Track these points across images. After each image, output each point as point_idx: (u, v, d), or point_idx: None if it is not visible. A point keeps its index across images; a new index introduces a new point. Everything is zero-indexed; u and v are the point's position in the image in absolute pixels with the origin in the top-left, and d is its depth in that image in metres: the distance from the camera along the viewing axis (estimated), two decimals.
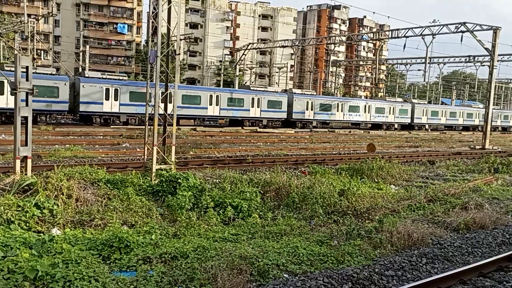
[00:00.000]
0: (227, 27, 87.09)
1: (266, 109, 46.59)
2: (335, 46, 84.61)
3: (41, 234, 7.43)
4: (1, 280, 5.46)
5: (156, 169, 12.29)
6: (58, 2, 71.81)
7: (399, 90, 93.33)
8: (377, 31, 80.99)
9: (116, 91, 37.35)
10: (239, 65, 61.88)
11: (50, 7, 66.15)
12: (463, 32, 36.01)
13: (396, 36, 43.63)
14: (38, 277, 5.52)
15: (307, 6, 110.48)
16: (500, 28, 34.12)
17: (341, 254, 7.29)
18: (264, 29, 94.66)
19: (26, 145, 10.14)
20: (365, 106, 55.95)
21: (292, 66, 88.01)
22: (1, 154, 17.35)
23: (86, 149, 20.85)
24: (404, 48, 57.44)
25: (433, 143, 37.02)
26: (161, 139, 13.63)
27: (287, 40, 59.73)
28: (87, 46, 62.75)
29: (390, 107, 58.12)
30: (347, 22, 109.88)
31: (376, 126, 57.80)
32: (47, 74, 35.47)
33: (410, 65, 63.34)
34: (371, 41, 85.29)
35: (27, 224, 7.89)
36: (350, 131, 49.79)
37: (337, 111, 52.60)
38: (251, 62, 77.69)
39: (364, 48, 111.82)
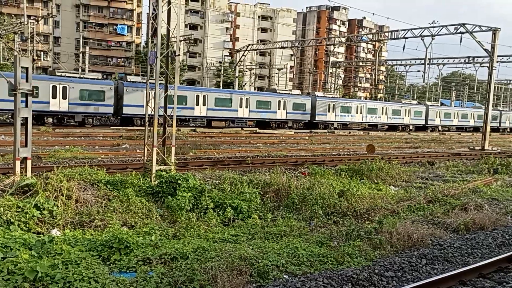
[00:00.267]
0: (227, 28, 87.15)
1: (292, 111, 48.29)
2: (334, 47, 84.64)
3: (41, 235, 7.43)
4: (0, 281, 5.46)
5: (156, 170, 12.29)
6: (58, 3, 71.88)
7: (399, 91, 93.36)
8: (376, 32, 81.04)
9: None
10: (238, 66, 61.92)
11: (50, 8, 66.24)
12: (462, 33, 36.05)
13: (395, 37, 43.69)
14: (38, 278, 5.52)
15: (307, 7, 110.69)
16: (499, 29, 34.17)
17: (341, 255, 7.29)
18: (263, 30, 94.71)
19: (26, 146, 10.14)
20: (383, 108, 57.57)
21: (291, 67, 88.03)
22: (1, 155, 17.35)
23: (86, 150, 20.86)
24: (403, 49, 57.76)
25: (433, 144, 37.04)
26: (161, 140, 13.63)
27: (286, 41, 59.78)
28: (87, 47, 62.80)
29: (405, 109, 59.66)
30: (347, 23, 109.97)
31: (392, 127, 59.38)
32: (94, 79, 37.92)
33: (410, 66, 63.43)
34: (370, 42, 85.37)
35: (27, 225, 7.88)
36: (349, 132, 49.87)
37: (357, 113, 54.30)
38: (250, 63, 77.73)
39: (363, 49, 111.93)
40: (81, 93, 35.81)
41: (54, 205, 8.51)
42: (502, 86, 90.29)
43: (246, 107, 44.92)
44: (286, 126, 48.25)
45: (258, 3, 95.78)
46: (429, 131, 60.81)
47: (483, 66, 58.41)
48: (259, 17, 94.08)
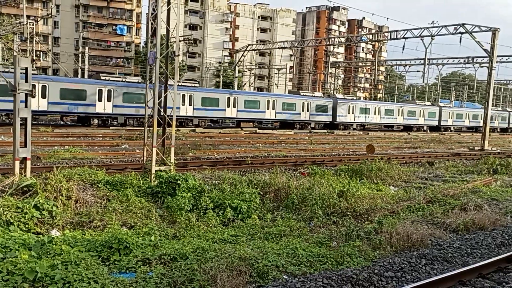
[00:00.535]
0: (226, 29, 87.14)
1: (314, 112, 50.54)
2: (334, 48, 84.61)
3: (40, 236, 7.42)
4: (0, 282, 5.45)
5: (156, 170, 12.29)
6: (57, 3, 71.83)
7: (398, 91, 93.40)
8: (376, 32, 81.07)
9: (190, 97, 41.32)
10: (238, 66, 61.92)
11: (49, 9, 66.10)
12: (462, 33, 36.05)
13: (395, 37, 43.69)
14: (37, 279, 5.52)
15: (306, 8, 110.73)
16: (499, 30, 34.19)
17: (341, 255, 7.30)
18: (263, 30, 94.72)
19: (25, 146, 10.14)
20: (399, 109, 59.33)
21: (291, 67, 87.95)
22: (1, 155, 17.34)
23: (85, 150, 20.85)
24: (403, 49, 57.84)
25: (432, 144, 37.06)
26: (161, 140, 13.63)
27: (286, 41, 59.79)
28: (86, 48, 62.79)
29: (420, 110, 61.42)
30: (346, 23, 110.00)
31: (407, 128, 60.79)
32: (135, 82, 40.09)
33: (409, 66, 63.44)
34: (370, 43, 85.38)
35: (26, 226, 7.88)
36: (349, 132, 49.94)
37: (374, 114, 56.36)
38: (250, 63, 77.70)
39: (363, 49, 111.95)
40: (124, 96, 37.84)
41: (54, 206, 8.50)
42: (501, 86, 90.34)
43: (273, 108, 46.96)
44: (309, 126, 50.26)
45: (257, 3, 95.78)
46: (441, 131, 62.42)
47: (482, 66, 58.41)
48: (258, 17, 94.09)
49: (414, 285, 6.29)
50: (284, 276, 6.49)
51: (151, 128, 12.71)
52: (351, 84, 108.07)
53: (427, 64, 47.96)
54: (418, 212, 10.85)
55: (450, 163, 22.73)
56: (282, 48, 58.79)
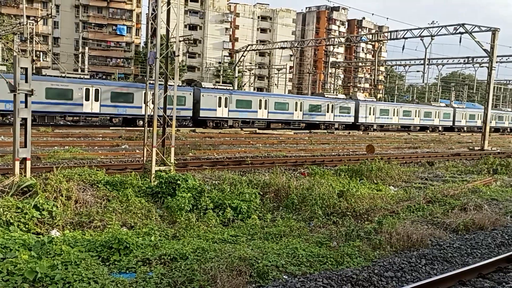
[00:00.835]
0: (226, 29, 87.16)
1: (338, 114, 52.66)
2: (334, 48, 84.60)
3: (40, 236, 7.42)
4: (0, 282, 5.46)
5: (156, 171, 12.29)
6: (57, 3, 71.84)
7: (398, 92, 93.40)
8: (376, 32, 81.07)
9: (226, 99, 43.63)
10: (238, 66, 61.93)
11: (49, 9, 66.11)
12: (461, 33, 36.05)
13: (395, 37, 43.70)
14: (37, 279, 5.52)
15: (306, 8, 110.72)
16: (498, 30, 34.19)
17: (341, 255, 7.30)
18: (263, 30, 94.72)
19: (25, 146, 10.14)
20: (416, 110, 61.40)
21: (291, 67, 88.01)
22: (1, 155, 17.34)
23: (85, 150, 20.85)
24: (403, 49, 57.86)
25: (432, 144, 37.07)
26: (160, 140, 13.63)
27: (286, 41, 59.82)
28: (86, 48, 62.84)
29: (436, 112, 63.61)
30: (346, 23, 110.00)
31: (423, 128, 62.78)
32: (178, 86, 38.69)
33: (409, 66, 63.49)
34: (370, 43, 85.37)
35: (26, 226, 7.88)
36: (349, 132, 49.98)
37: (393, 115, 58.39)
38: (250, 63, 77.70)
39: (363, 50, 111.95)
40: (167, 98, 37.78)
41: (54, 206, 8.51)
42: (501, 86, 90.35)
43: (300, 110, 49.20)
44: (333, 127, 52.34)
45: (257, 3, 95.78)
46: (455, 132, 64.18)
47: (482, 66, 58.45)
48: (258, 17, 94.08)
49: (414, 285, 6.29)
50: (284, 276, 6.49)
51: (151, 128, 12.70)
52: (351, 84, 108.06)
53: (427, 64, 48.01)
54: (418, 212, 10.85)
55: (450, 163, 22.74)
56: (282, 48, 58.83)
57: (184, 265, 6.41)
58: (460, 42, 37.35)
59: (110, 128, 36.55)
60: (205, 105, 42.26)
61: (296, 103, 49.07)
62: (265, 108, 46.34)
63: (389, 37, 46.07)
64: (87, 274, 5.83)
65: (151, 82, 14.10)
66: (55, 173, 9.76)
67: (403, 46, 48.73)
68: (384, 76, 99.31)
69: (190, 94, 41.70)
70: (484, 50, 34.81)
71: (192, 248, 7.16)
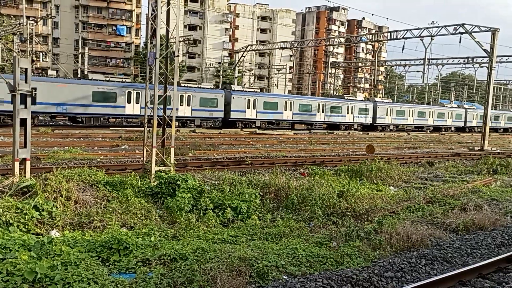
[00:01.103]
0: (226, 29, 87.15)
1: (357, 115, 54.79)
2: (334, 48, 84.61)
3: (40, 236, 7.42)
4: (0, 283, 5.45)
5: (155, 171, 12.29)
6: (57, 4, 71.85)
7: (398, 92, 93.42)
8: (375, 32, 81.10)
9: (254, 101, 45.58)
10: (238, 66, 61.93)
11: (49, 9, 66.15)
12: (461, 33, 36.05)
13: (394, 37, 43.70)
14: (37, 279, 5.51)
15: (306, 8, 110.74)
16: (498, 30, 34.19)
17: (340, 255, 7.29)
18: (263, 30, 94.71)
19: (25, 147, 10.13)
20: (430, 111, 63.45)
21: (291, 67, 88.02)
22: (0, 156, 17.34)
23: (85, 151, 20.84)
24: (402, 49, 58.08)
25: (432, 145, 37.06)
26: (160, 141, 13.63)
27: (286, 41, 59.85)
28: (86, 48, 62.80)
29: (448, 113, 65.65)
30: (346, 23, 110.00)
31: (436, 128, 64.60)
32: (209, 88, 45.18)
33: (409, 67, 63.56)
34: (369, 43, 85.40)
35: (26, 226, 7.87)
36: (349, 133, 50.03)
37: (409, 116, 60.43)
38: (250, 63, 77.72)
39: (363, 50, 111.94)
40: (201, 100, 42.06)
41: (53, 206, 8.50)
42: (501, 86, 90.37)
43: (323, 111, 51.44)
44: (352, 128, 54.36)
45: (257, 3, 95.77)
46: (467, 132, 66.04)
47: (482, 67, 58.53)
48: (258, 17, 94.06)
49: (414, 285, 6.28)
50: (284, 277, 6.49)
51: (151, 129, 12.70)
52: (351, 84, 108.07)
53: (427, 64, 48.09)
54: (418, 212, 10.85)
55: (450, 163, 22.73)
56: (282, 48, 58.89)
57: (184, 266, 6.40)
58: (460, 42, 37.38)
59: (110, 128, 36.54)
60: (236, 107, 44.16)
61: (319, 104, 51.21)
62: (290, 110, 48.44)
63: (389, 37, 46.07)
64: (87, 274, 5.82)
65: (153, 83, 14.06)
66: (55, 174, 9.76)
67: (403, 46, 49.06)
68: (384, 76, 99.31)
69: (222, 96, 43.55)
70: (484, 50, 34.81)
71: (192, 248, 7.16)
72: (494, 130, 68.89)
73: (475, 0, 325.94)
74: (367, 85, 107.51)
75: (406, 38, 41.67)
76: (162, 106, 13.89)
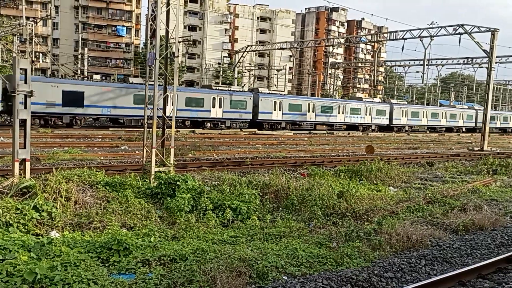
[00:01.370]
0: (226, 30, 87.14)
1: (375, 116, 57.14)
2: (333, 48, 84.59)
3: (40, 237, 7.42)
4: (0, 283, 5.45)
5: (155, 172, 12.28)
6: (56, 5, 71.85)
7: (398, 92, 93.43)
8: (375, 33, 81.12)
9: (280, 103, 47.70)
10: (237, 67, 61.93)
11: (48, 10, 66.20)
12: (461, 34, 36.07)
13: (394, 38, 43.70)
14: (37, 280, 5.51)
15: (306, 9, 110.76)
16: (498, 30, 34.21)
17: (340, 256, 7.29)
18: (262, 31, 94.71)
19: (25, 147, 10.13)
20: (443, 113, 66.07)
21: (290, 68, 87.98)
22: (0, 156, 17.33)
23: (85, 151, 20.84)
24: (402, 50, 58.21)
25: (432, 145, 37.07)
26: (160, 141, 13.62)
27: (285, 42, 59.86)
28: (86, 49, 62.75)
29: (460, 114, 67.97)
30: (346, 24, 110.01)
31: (449, 129, 66.82)
32: (239, 91, 47.51)
33: (409, 67, 63.56)
34: (369, 43, 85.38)
35: (26, 227, 7.87)
36: (348, 133, 50.06)
37: (423, 117, 62.84)
38: (249, 64, 77.69)
39: (362, 50, 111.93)
40: (231, 103, 44.41)
41: (53, 207, 8.50)
42: (501, 87, 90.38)
43: (343, 113, 53.64)
44: (370, 128, 56.58)
45: (257, 4, 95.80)
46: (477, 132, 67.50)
47: (482, 67, 58.51)
48: (258, 18, 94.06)
49: (414, 285, 6.28)
50: (283, 277, 6.49)
51: (151, 129, 12.69)
52: (351, 85, 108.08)
53: (427, 64, 48.10)
54: (417, 213, 10.85)
55: (449, 163, 22.73)
56: (282, 49, 58.89)
57: (184, 266, 6.40)
58: (459, 42, 37.37)
59: (110, 129, 36.54)
60: (263, 109, 46.42)
61: (339, 106, 53.54)
62: (313, 111, 50.69)
63: (388, 38, 46.08)
64: (87, 275, 5.82)
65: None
66: (55, 174, 9.76)
67: (403, 46, 49.26)
68: (383, 77, 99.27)
69: (250, 98, 45.76)
70: (484, 50, 34.83)
71: (191, 249, 7.16)
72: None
73: (474, 1, 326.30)
74: (366, 86, 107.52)
75: (406, 39, 41.69)
76: (162, 107, 13.87)
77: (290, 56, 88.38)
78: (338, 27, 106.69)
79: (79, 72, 54.53)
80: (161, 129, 13.91)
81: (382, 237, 8.19)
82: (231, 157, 20.78)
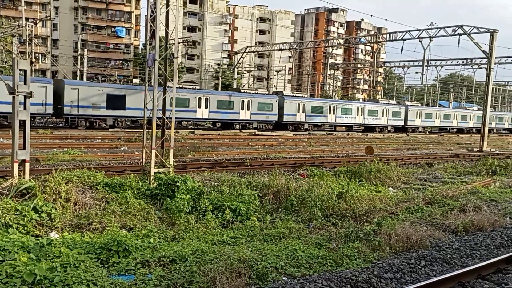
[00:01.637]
0: (225, 30, 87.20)
1: (391, 117, 59.37)
2: (333, 49, 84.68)
3: (39, 238, 7.42)
4: None
5: (155, 172, 12.28)
6: (56, 6, 71.85)
7: (397, 93, 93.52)
8: (374, 34, 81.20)
9: (303, 105, 50.20)
10: (237, 68, 61.96)
11: (48, 11, 66.19)
12: (460, 34, 36.11)
13: (393, 39, 43.77)
14: (36, 281, 5.51)
15: (305, 9, 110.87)
16: (497, 31, 34.22)
17: (340, 256, 7.29)
18: (262, 32, 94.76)
19: (24, 148, 10.13)
20: (454, 114, 68.29)
21: (290, 69, 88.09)
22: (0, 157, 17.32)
23: (84, 152, 20.83)
24: (401, 51, 58.09)
25: (431, 146, 37.08)
26: (160, 142, 13.62)
27: (285, 43, 59.89)
28: (85, 50, 62.71)
29: (471, 115, 69.86)
30: (345, 25, 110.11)
31: (460, 130, 68.28)
32: (265, 94, 49.98)
33: (408, 68, 63.75)
34: (368, 44, 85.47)
35: (25, 228, 7.87)
36: (348, 134, 50.07)
37: (436, 118, 65.18)
38: (249, 65, 77.76)
39: (362, 51, 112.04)
40: (259, 105, 46.88)
41: (53, 208, 8.49)
42: (500, 87, 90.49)
43: (361, 115, 55.84)
44: (386, 130, 58.64)
45: (256, 5, 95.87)
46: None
47: (481, 68, 58.58)
48: (257, 19, 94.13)
49: (414, 286, 6.28)
50: (283, 278, 6.48)
51: (150, 130, 12.69)
52: (350, 85, 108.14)
53: (426, 65, 48.15)
54: (417, 214, 10.86)
55: (449, 164, 22.73)
56: (281, 49, 58.95)
57: (184, 267, 6.40)
58: (458, 43, 37.48)
59: (109, 130, 36.54)
60: (288, 111, 48.71)
61: (358, 108, 55.72)
62: (334, 113, 53.02)
63: (387, 39, 46.14)
64: (86, 276, 5.82)
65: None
66: (54, 175, 9.75)
67: (402, 47, 49.12)
68: (383, 78, 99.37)
69: (276, 101, 48.07)
70: (483, 51, 34.85)
71: (191, 250, 7.15)
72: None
73: (474, 1, 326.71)
74: (366, 86, 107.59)
75: (405, 40, 41.73)
76: (162, 108, 13.86)
77: (290, 57, 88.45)
78: (338, 28, 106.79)
79: (78, 73, 54.54)
80: (160, 130, 13.90)
81: (381, 238, 8.20)
82: (230, 158, 20.78)
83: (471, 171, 20.09)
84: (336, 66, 75.90)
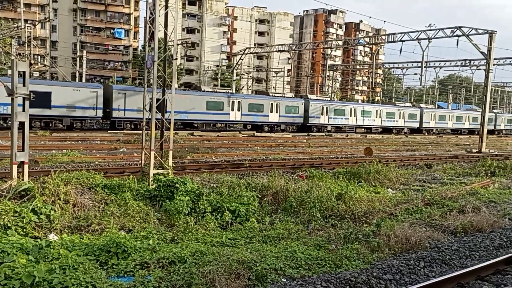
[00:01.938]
0: (224, 32, 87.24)
1: (407, 119, 61.67)
2: (331, 51, 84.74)
3: (38, 240, 7.40)
4: None
5: (154, 174, 12.27)
6: (55, 7, 71.80)
7: (396, 94, 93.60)
8: (373, 35, 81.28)
9: (327, 108, 52.38)
10: (236, 69, 61.96)
11: (47, 13, 66.07)
12: (459, 36, 36.13)
13: (392, 40, 43.80)
14: (35, 283, 5.50)
15: (304, 11, 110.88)
16: (495, 32, 34.27)
17: (339, 258, 7.29)
18: (261, 33, 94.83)
19: (23, 150, 10.12)
20: (466, 116, 70.00)
21: (289, 70, 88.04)
22: None
23: (83, 154, 20.81)
24: (400, 52, 58.15)
25: (430, 147, 37.10)
26: (159, 143, 13.62)
27: (284, 44, 59.86)
28: (84, 51, 62.71)
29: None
30: (344, 26, 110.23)
31: (471, 131, 69.74)
32: (292, 97, 53.12)
33: (407, 69, 63.85)
34: (367, 46, 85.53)
35: (24, 230, 7.85)
36: (347, 135, 50.13)
37: (449, 120, 67.31)
38: (248, 66, 77.74)
39: (360, 52, 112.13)
40: (286, 108, 49.05)
41: (52, 210, 8.48)
42: (499, 89, 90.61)
43: (380, 117, 58.32)
44: (402, 131, 60.92)
45: (255, 6, 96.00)
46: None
47: (479, 69, 58.56)
48: (256, 20, 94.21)
49: (413, 287, 6.28)
50: (282, 279, 6.48)
51: (149, 132, 12.69)
52: (349, 87, 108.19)
53: (425, 66, 48.13)
54: (416, 215, 10.86)
55: (448, 165, 22.75)
56: (280, 51, 58.89)
57: (183, 269, 6.39)
58: (457, 44, 37.47)
59: (108, 131, 36.53)
60: (313, 113, 51.14)
61: (377, 111, 58.11)
62: (354, 116, 55.35)
63: (386, 40, 46.17)
64: (85, 278, 5.81)
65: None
66: (53, 177, 9.74)
67: (401, 49, 49.25)
68: (381, 79, 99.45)
69: (302, 104, 50.47)
70: (481, 52, 34.89)
71: (190, 251, 7.15)
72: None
73: (472, 2, 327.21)
74: (365, 88, 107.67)
75: (404, 41, 41.73)
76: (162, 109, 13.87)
77: (289, 58, 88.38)
78: (336, 30, 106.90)
79: (77, 75, 54.52)
80: (159, 131, 13.90)
81: (380, 239, 8.20)
82: (229, 160, 20.77)
83: (470, 172, 20.10)
84: (335, 68, 75.86)
